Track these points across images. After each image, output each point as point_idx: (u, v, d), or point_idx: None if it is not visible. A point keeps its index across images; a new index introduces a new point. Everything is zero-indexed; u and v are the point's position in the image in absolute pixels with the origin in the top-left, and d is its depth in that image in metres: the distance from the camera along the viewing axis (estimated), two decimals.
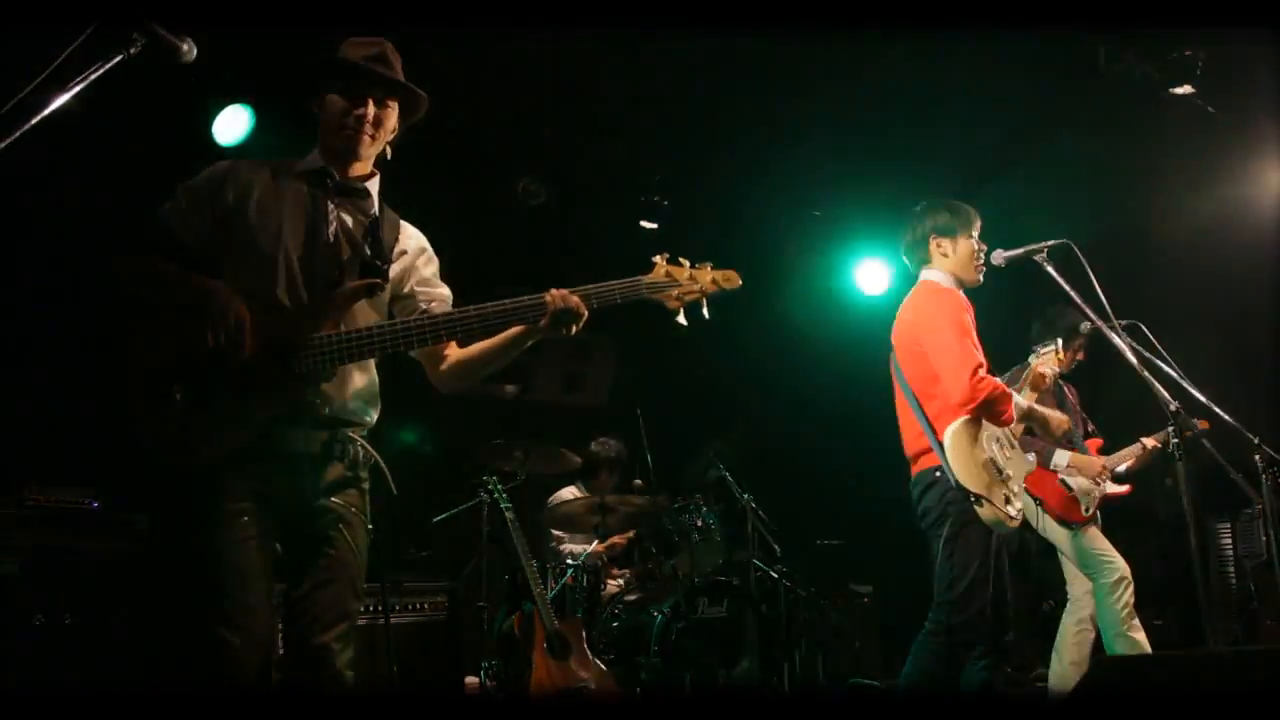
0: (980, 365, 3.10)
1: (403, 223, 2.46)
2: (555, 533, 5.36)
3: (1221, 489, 5.42)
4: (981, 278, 3.39)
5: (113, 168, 4.29)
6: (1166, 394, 3.11)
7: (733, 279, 2.31)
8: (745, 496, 5.26)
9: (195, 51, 1.87)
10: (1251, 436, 3.34)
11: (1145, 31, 4.75)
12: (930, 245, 3.39)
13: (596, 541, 5.19)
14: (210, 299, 2.11)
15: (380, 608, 4.16)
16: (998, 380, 3.14)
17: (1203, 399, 3.21)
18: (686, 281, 2.25)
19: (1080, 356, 4.64)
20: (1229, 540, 5.53)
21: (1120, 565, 4.30)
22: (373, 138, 2.31)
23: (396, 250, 2.40)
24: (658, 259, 2.27)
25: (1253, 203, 5.69)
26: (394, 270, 2.38)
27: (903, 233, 3.50)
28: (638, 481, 5.36)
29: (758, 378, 6.94)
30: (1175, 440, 3.13)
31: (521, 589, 4.45)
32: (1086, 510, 4.39)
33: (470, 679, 4.51)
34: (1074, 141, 5.56)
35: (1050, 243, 3.28)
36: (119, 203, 3.55)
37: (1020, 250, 3.33)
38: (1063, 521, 4.40)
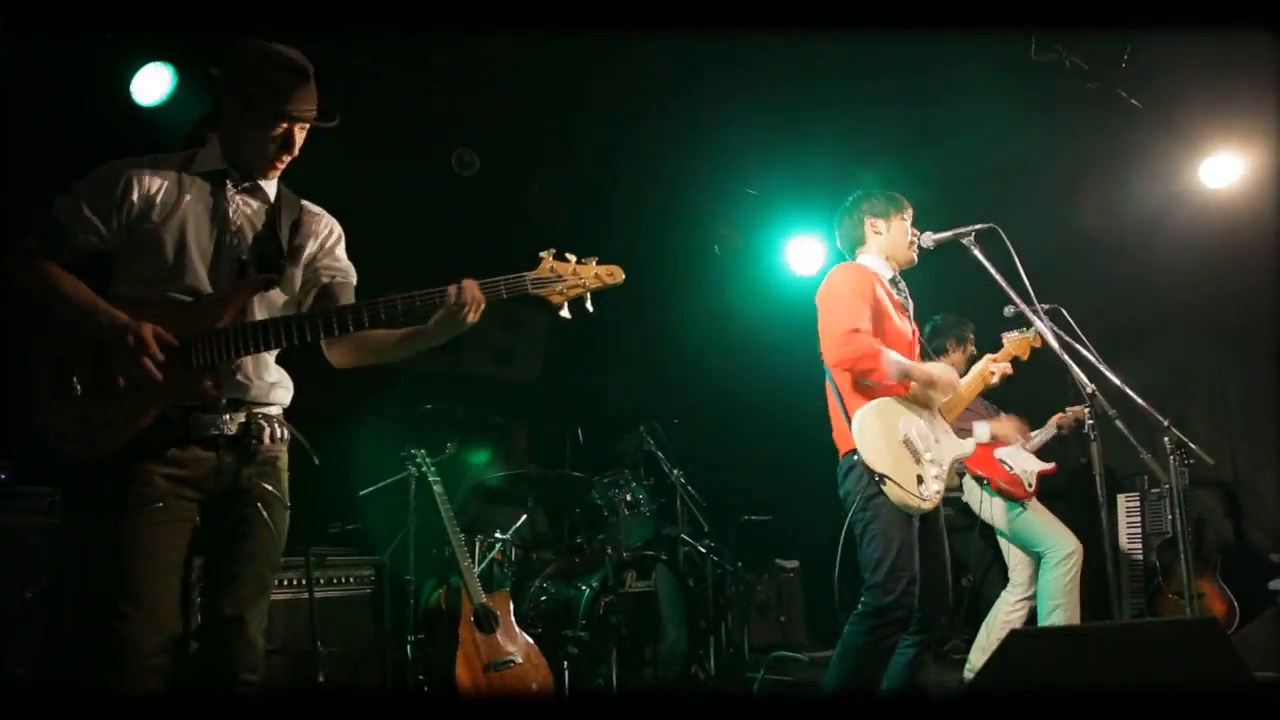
0: (854, 329, 3.14)
1: (305, 203, 2.49)
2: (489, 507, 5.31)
3: (1132, 469, 5.73)
4: (915, 257, 3.49)
5: (22, 124, 4.11)
6: (1084, 376, 3.20)
7: (615, 274, 2.37)
8: (675, 472, 5.31)
9: None
10: (1162, 419, 3.43)
11: (1074, 29, 4.87)
12: (865, 226, 3.49)
13: (525, 516, 5.20)
14: (112, 329, 2.11)
15: (305, 581, 4.13)
16: (870, 341, 3.15)
17: (1117, 381, 3.33)
18: (570, 277, 2.32)
19: (972, 350, 4.87)
20: (1138, 518, 5.79)
21: (1073, 540, 4.49)
22: (290, 156, 2.37)
23: (303, 234, 2.44)
24: (544, 255, 2.33)
25: (1179, 198, 5.88)
26: (299, 255, 2.42)
27: (836, 221, 3.60)
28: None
29: (688, 353, 6.98)
30: (1090, 422, 3.21)
31: (449, 563, 4.44)
32: (1030, 486, 4.57)
33: None
34: (1007, 131, 5.63)
35: (977, 226, 3.36)
36: (31, 163, 3.41)
37: (948, 233, 3.42)
38: (1010, 498, 4.56)
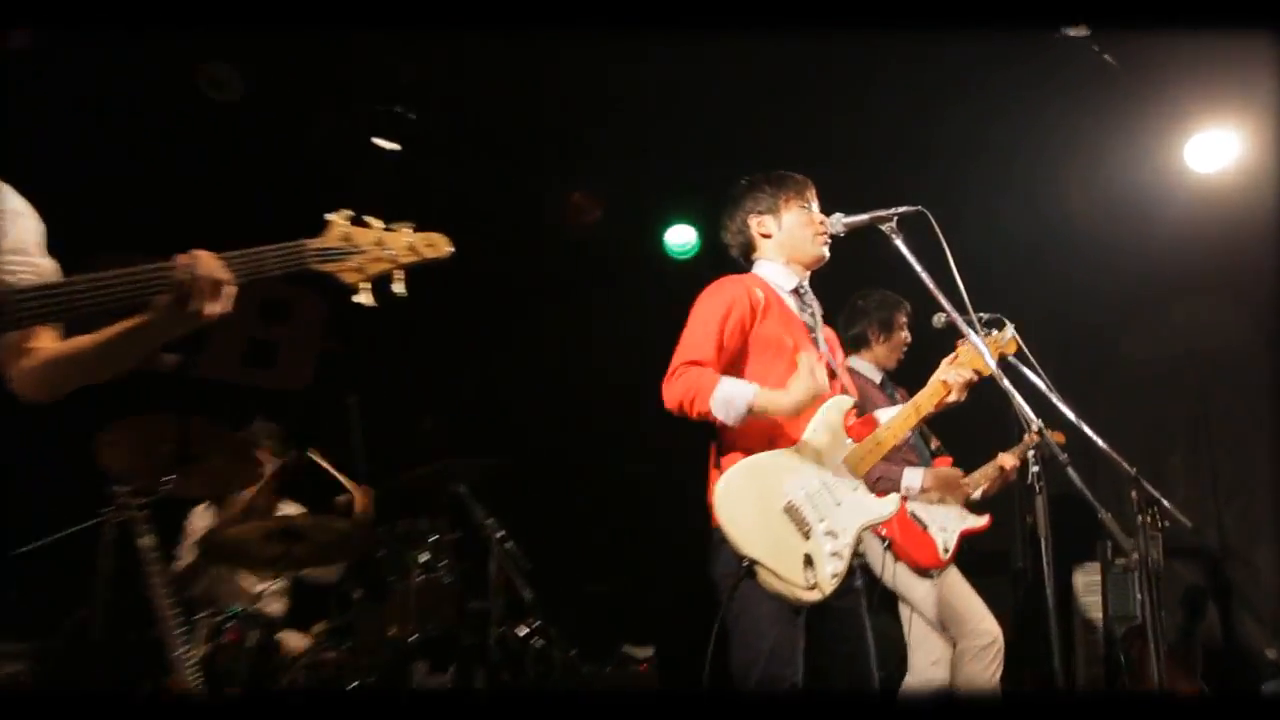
0: (691, 362, 3.15)
1: None
2: (221, 571, 5.09)
3: (1092, 531, 5.71)
4: (826, 252, 3.49)
5: None
6: (1028, 409, 3.14)
7: (437, 245, 2.32)
8: (490, 523, 5.14)
9: None
10: (1129, 467, 3.43)
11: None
12: (752, 229, 3.53)
13: (282, 580, 4.98)
14: None
15: None
16: (699, 376, 3.12)
17: (1072, 416, 3.30)
18: (373, 248, 2.24)
19: (907, 340, 4.81)
20: (1098, 598, 5.79)
21: (993, 625, 4.46)
22: None
23: None
24: (334, 217, 2.25)
25: (1161, 183, 6.04)
26: None
27: (721, 224, 3.64)
28: (341, 498, 5.15)
29: (516, 365, 6.92)
30: (1036, 469, 3.21)
31: (154, 650, 4.08)
32: (945, 551, 4.47)
33: None
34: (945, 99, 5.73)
35: (901, 209, 3.34)
36: None
37: (865, 215, 3.37)
38: (918, 569, 4.48)
